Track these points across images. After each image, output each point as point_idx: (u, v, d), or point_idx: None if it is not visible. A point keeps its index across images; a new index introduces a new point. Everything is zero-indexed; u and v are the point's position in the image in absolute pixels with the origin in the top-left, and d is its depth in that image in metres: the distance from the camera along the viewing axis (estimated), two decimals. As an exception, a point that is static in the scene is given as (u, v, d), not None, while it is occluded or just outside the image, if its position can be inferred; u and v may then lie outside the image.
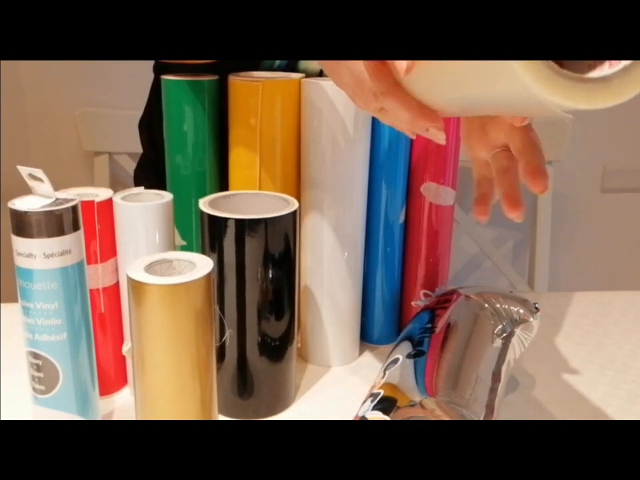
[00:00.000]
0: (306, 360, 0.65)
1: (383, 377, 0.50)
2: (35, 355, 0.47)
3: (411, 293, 0.67)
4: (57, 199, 0.45)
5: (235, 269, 0.51)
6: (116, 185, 1.28)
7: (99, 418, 0.51)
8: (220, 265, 0.52)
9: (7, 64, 1.28)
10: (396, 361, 0.51)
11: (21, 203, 0.44)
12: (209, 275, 0.44)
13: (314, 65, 0.66)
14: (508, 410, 0.56)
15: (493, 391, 0.48)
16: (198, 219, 0.55)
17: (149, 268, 0.44)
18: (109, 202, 0.53)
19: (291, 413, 0.57)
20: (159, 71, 0.78)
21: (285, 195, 0.56)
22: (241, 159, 0.61)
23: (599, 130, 1.44)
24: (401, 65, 0.35)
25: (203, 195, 0.56)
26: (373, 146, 0.60)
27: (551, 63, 0.28)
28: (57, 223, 0.44)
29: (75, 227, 0.45)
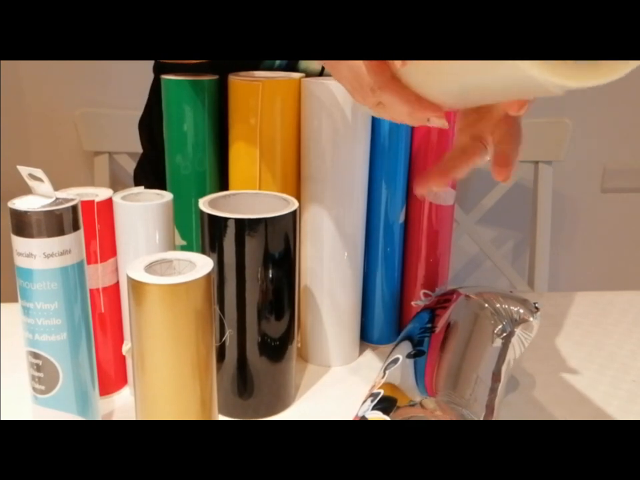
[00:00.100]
0: (306, 360, 0.65)
1: (383, 377, 0.50)
2: (35, 355, 0.47)
3: (410, 293, 0.67)
4: (57, 199, 0.45)
5: (235, 269, 0.51)
6: (116, 185, 1.28)
7: (99, 418, 0.51)
8: (220, 265, 0.52)
9: (7, 64, 1.28)
10: (396, 360, 0.51)
11: (21, 203, 0.44)
12: (208, 275, 0.44)
13: (314, 65, 0.66)
14: (508, 410, 0.56)
15: (493, 390, 0.48)
16: (198, 218, 0.55)
17: (149, 268, 0.44)
18: (109, 202, 0.53)
19: (290, 413, 0.57)
20: (158, 70, 0.78)
21: (285, 195, 0.56)
22: (241, 158, 0.61)
23: (599, 130, 1.44)
24: None
25: (203, 194, 0.56)
26: (373, 146, 0.60)
27: None
28: (57, 222, 0.44)
29: (75, 227, 0.45)
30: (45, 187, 0.45)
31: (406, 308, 0.68)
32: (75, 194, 0.47)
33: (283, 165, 0.61)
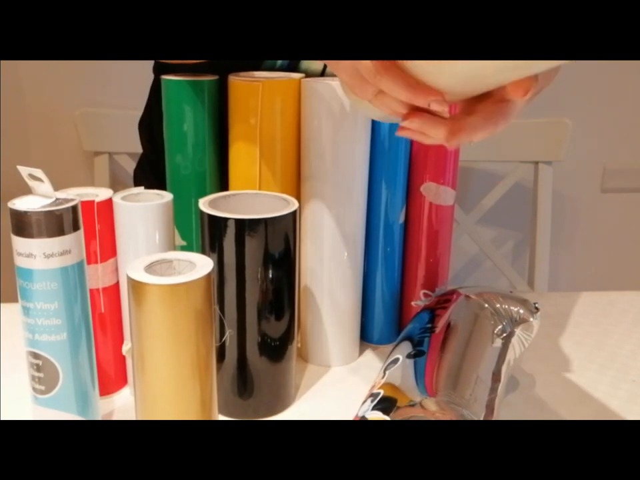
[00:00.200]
0: (306, 360, 0.65)
1: (383, 377, 0.50)
2: (35, 355, 0.47)
3: (410, 293, 0.67)
4: (57, 199, 0.45)
5: (234, 269, 0.51)
6: (116, 185, 1.28)
7: (99, 418, 0.51)
8: (220, 265, 0.52)
9: (7, 64, 1.28)
10: (396, 360, 0.51)
11: (21, 203, 0.44)
12: (208, 275, 0.44)
13: (315, 65, 0.66)
14: (508, 410, 0.56)
15: (493, 391, 0.48)
16: (198, 218, 0.55)
17: (149, 268, 0.44)
18: (109, 202, 0.53)
19: (290, 413, 0.57)
20: (158, 71, 0.78)
21: (285, 195, 0.56)
22: (241, 158, 0.61)
23: (599, 130, 1.44)
24: None
25: (203, 194, 0.56)
26: (373, 146, 0.60)
27: None
28: (57, 223, 0.44)
29: (75, 227, 0.45)
30: (45, 187, 0.45)
31: (406, 308, 0.68)
32: (75, 194, 0.47)
33: (283, 165, 0.61)
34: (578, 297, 0.80)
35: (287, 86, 0.59)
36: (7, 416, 0.55)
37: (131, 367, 0.58)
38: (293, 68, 0.66)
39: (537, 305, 0.56)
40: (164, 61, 0.71)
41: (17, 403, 0.56)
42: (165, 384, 0.44)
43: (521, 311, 0.55)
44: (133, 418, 0.47)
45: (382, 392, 0.47)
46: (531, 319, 0.55)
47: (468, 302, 0.56)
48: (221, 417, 0.55)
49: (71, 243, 0.45)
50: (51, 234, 0.44)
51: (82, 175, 1.35)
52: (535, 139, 1.21)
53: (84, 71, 1.29)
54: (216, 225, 0.51)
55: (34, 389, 0.48)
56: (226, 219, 0.50)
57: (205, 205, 0.53)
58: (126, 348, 0.56)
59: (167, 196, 0.54)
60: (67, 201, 0.45)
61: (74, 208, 0.45)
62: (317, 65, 0.66)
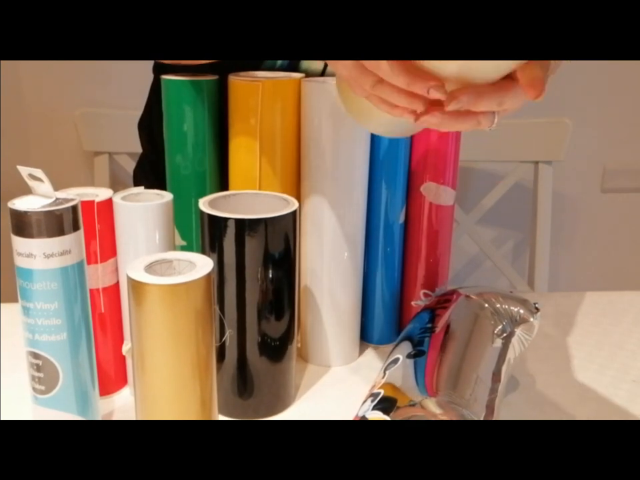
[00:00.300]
0: (306, 360, 0.65)
1: (383, 377, 0.50)
2: (35, 355, 0.47)
3: (411, 293, 0.67)
4: (56, 199, 0.45)
5: (235, 269, 0.51)
6: (116, 185, 1.28)
7: (99, 418, 0.51)
8: (220, 265, 0.52)
9: (7, 64, 1.28)
10: (396, 360, 0.51)
11: (21, 203, 0.44)
12: (208, 275, 0.44)
13: (316, 65, 0.66)
14: (508, 410, 0.56)
15: (493, 391, 0.48)
16: (198, 219, 0.55)
17: (149, 268, 0.44)
18: (109, 202, 0.53)
19: (290, 413, 0.57)
20: (158, 71, 0.78)
21: (284, 195, 0.56)
22: (240, 158, 0.61)
23: (599, 130, 1.44)
24: None
25: (203, 194, 0.56)
26: (372, 146, 0.60)
27: None
28: (57, 223, 0.44)
29: (75, 227, 0.45)
30: (45, 187, 0.45)
31: (406, 308, 0.68)
32: (75, 194, 0.47)
33: (282, 165, 0.61)
34: (578, 297, 0.80)
35: (286, 86, 0.59)
36: (7, 416, 0.55)
37: (131, 367, 0.58)
38: (293, 68, 0.66)
39: (537, 305, 0.56)
40: (164, 61, 0.71)
41: (16, 402, 0.56)
42: (165, 384, 0.44)
43: (521, 311, 0.55)
44: (133, 418, 0.47)
45: (382, 392, 0.47)
46: (531, 319, 0.55)
47: (468, 302, 0.56)
48: (221, 417, 0.55)
49: (71, 243, 0.45)
50: (51, 234, 0.44)
51: (82, 175, 1.35)
52: (534, 138, 1.21)
53: (84, 71, 1.29)
54: (216, 225, 0.51)
55: (34, 389, 0.48)
56: (226, 219, 0.50)
57: (204, 204, 0.53)
58: (126, 348, 0.57)
59: (167, 196, 0.54)
60: (66, 200, 0.45)
61: (74, 208, 0.45)
62: (317, 64, 0.66)
